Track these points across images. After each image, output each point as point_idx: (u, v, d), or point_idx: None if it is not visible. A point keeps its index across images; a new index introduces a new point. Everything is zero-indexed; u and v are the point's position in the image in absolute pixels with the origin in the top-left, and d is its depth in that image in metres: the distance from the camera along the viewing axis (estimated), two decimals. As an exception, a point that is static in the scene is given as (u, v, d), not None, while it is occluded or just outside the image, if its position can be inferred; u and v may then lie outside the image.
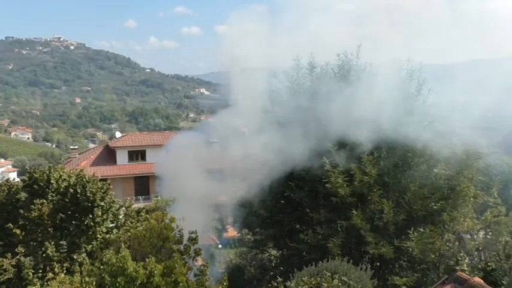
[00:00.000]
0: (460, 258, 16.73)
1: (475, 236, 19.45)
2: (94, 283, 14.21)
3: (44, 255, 18.37)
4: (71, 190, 19.54)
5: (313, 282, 14.69)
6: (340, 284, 14.57)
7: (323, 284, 14.47)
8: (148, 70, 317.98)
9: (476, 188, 20.50)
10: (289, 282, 15.31)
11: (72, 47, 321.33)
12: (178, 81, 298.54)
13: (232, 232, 41.01)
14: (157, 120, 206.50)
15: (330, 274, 14.91)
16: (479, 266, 16.66)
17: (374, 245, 18.48)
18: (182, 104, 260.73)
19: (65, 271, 17.59)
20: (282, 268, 22.07)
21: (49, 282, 15.17)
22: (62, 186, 19.78)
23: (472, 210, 20.33)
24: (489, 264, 16.20)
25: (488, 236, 19.07)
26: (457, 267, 13.41)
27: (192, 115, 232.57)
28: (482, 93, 19.45)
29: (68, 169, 22.48)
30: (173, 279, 14.42)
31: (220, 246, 41.23)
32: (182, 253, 16.12)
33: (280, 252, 23.23)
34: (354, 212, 18.69)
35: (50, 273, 16.21)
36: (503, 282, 14.60)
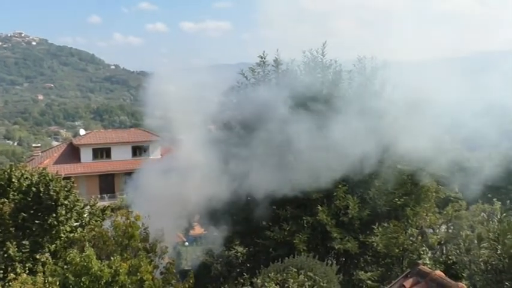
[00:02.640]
0: (422, 252, 17.07)
1: (437, 230, 19.90)
2: (57, 283, 14.00)
3: (6, 255, 18.00)
4: (34, 189, 19.20)
5: (280, 278, 14.77)
6: (306, 279, 14.68)
7: (289, 279, 14.56)
8: (113, 67, 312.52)
9: (438, 184, 20.96)
10: (256, 279, 15.36)
11: (34, 43, 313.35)
12: (144, 78, 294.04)
13: (198, 229, 40.88)
14: (123, 118, 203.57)
15: (296, 270, 15.01)
16: (441, 259, 17.04)
17: (339, 240, 18.70)
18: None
19: (27, 271, 17.25)
20: (248, 265, 22.10)
21: (11, 283, 14.83)
22: (24, 184, 19.41)
23: (434, 205, 20.78)
24: (450, 257, 16.60)
25: (450, 230, 19.52)
26: (420, 261, 13.69)
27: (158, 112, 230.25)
28: (447, 90, 19.87)
29: (31, 167, 22.08)
30: (139, 277, 14.34)
31: (186, 243, 41.12)
32: (148, 251, 16.00)
33: (246, 249, 23.26)
34: (320, 208, 18.86)
35: (12, 274, 15.85)
36: (464, 274, 14.98)
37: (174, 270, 16.17)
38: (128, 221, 16.04)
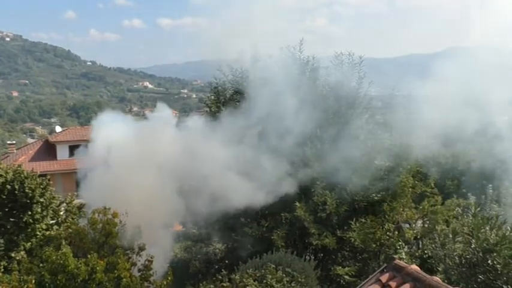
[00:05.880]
0: (398, 247, 17.26)
1: (413, 225, 20.11)
2: (33, 281, 13.84)
3: (-20, 254, 17.76)
4: (8, 186, 18.94)
5: (258, 275, 14.83)
6: (284, 275, 14.77)
7: (267, 275, 14.62)
8: (90, 63, 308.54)
9: (415, 179, 21.20)
10: (234, 275, 15.38)
11: (8, 39, 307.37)
12: (120, 74, 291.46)
13: (177, 226, 40.67)
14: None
15: (274, 266, 15.08)
16: (417, 254, 17.24)
17: (317, 236, 18.79)
18: (125, 98, 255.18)
19: (2, 270, 17.05)
20: (227, 261, 22.12)
21: (-15, 282, 14.64)
22: (-2, 182, 19.15)
23: (410, 200, 21.01)
24: (426, 252, 16.78)
25: (426, 225, 19.75)
26: (396, 256, 13.84)
27: (135, 109, 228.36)
28: (422, 85, 20.07)
29: (5, 165, 21.73)
30: (116, 275, 14.23)
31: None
32: (126, 248, 15.90)
33: (225, 245, 23.26)
34: (298, 204, 18.92)
35: (-14, 273, 15.66)
36: (439, 268, 15.17)
37: (153, 267, 16.08)
38: (106, 218, 15.92)
